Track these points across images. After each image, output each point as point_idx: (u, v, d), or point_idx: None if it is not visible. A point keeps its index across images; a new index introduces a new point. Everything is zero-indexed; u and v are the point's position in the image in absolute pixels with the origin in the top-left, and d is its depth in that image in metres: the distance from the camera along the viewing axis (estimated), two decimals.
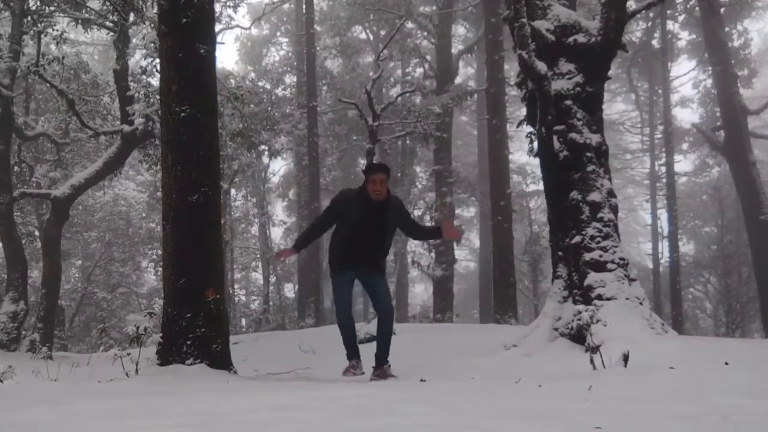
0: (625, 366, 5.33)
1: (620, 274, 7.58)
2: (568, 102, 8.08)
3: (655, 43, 26.07)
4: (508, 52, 17.79)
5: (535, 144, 8.74)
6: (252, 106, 17.49)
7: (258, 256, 28.93)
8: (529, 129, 8.94)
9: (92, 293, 24.81)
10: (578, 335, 6.91)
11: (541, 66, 7.77)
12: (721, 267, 27.96)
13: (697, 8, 23.08)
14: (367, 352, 5.68)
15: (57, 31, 13.08)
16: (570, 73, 8.23)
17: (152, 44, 12.27)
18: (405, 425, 2.00)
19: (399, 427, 1.97)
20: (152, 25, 12.25)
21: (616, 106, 33.87)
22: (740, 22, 24.56)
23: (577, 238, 7.78)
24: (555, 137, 8.00)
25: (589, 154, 8.00)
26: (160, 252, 15.45)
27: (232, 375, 5.93)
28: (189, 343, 6.13)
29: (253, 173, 24.77)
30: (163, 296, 6.90)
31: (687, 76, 29.84)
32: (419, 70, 28.28)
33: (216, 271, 6.46)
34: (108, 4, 12.44)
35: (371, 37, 30.13)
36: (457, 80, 24.39)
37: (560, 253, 8.01)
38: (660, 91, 27.50)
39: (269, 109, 19.92)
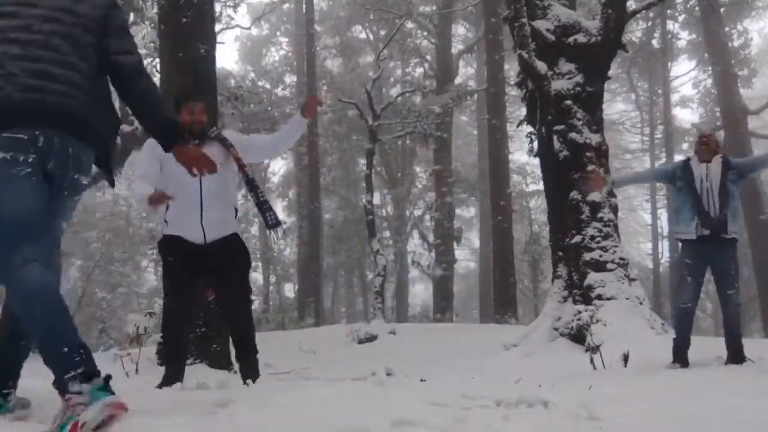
0: (625, 366, 5.34)
1: (620, 274, 7.60)
2: (568, 102, 8.09)
3: (655, 43, 26.05)
4: (508, 52, 17.77)
5: (535, 144, 8.76)
6: (252, 106, 17.48)
7: (258, 255, 28.89)
8: (529, 129, 8.96)
9: (92, 293, 24.77)
10: (578, 335, 6.92)
11: (541, 66, 7.78)
12: None
13: (697, 8, 23.06)
14: (365, 351, 5.67)
15: None
16: (570, 73, 8.24)
17: (152, 44, 12.25)
18: (402, 422, 2.00)
19: (397, 425, 1.97)
20: (152, 25, 12.24)
21: (616, 106, 33.76)
22: (740, 22, 24.53)
23: (577, 238, 7.79)
24: (555, 137, 8.01)
25: (589, 154, 8.02)
26: None
27: (231, 375, 5.93)
28: None
29: (254, 173, 24.76)
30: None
31: (687, 76, 29.79)
32: (419, 70, 28.24)
33: None
34: None
35: (371, 37, 30.11)
36: (457, 80, 24.37)
37: (560, 253, 8.03)
38: (660, 91, 27.49)
39: (269, 109, 19.89)
